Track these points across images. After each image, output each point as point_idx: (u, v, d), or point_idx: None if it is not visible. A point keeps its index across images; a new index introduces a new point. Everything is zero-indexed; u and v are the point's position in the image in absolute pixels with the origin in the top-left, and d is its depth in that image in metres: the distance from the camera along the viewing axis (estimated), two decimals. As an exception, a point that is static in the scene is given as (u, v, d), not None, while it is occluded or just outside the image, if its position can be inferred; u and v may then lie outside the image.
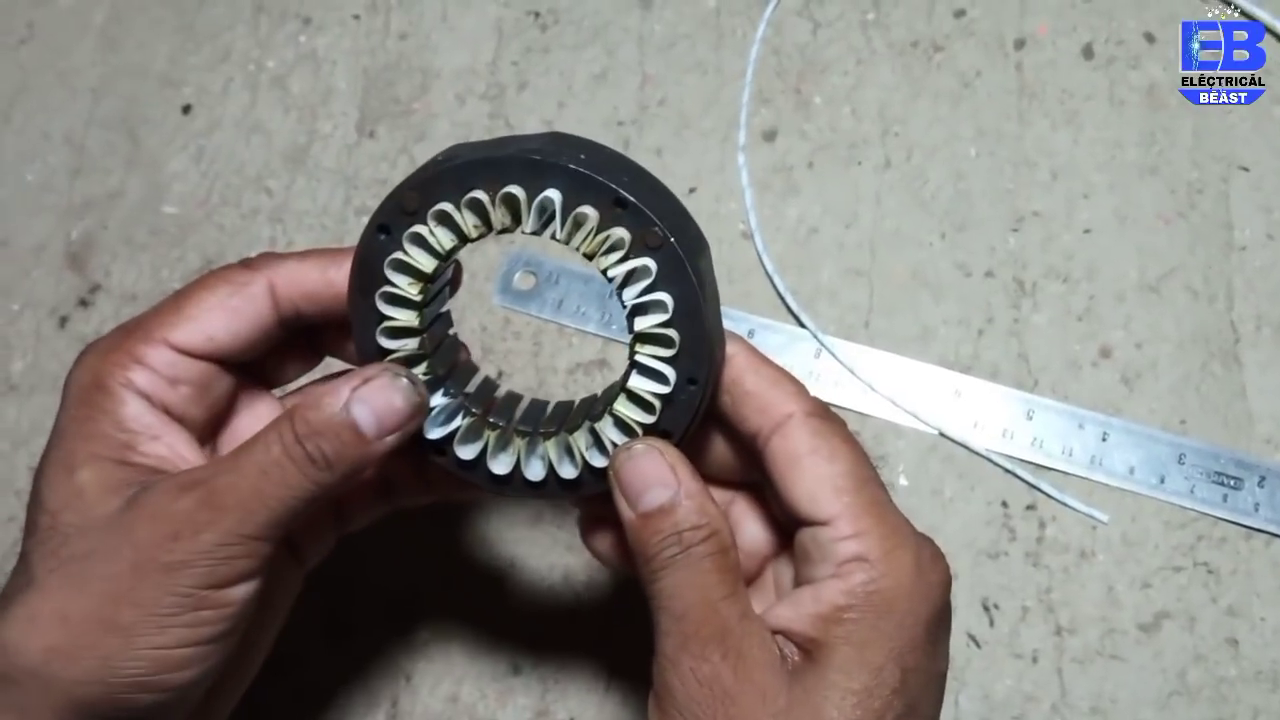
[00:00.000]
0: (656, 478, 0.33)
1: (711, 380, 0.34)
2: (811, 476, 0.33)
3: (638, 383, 0.33)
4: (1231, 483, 0.49)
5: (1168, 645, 0.48)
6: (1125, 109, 0.56)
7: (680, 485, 0.33)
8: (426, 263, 0.34)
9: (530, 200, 0.32)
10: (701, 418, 0.34)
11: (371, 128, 0.59)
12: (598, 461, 0.34)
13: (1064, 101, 0.57)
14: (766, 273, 0.55)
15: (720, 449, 0.37)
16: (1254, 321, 0.52)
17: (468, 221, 0.33)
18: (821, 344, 0.53)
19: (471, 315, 0.55)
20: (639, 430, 0.34)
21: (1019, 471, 0.50)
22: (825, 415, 0.34)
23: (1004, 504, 0.50)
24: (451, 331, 0.37)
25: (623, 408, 0.34)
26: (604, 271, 0.33)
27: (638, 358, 0.33)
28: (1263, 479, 0.49)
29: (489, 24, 0.61)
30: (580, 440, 0.35)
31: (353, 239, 0.57)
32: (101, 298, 0.57)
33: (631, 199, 0.32)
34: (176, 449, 0.35)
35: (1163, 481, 0.50)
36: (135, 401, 0.34)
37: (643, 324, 0.33)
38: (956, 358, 0.53)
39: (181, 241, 0.58)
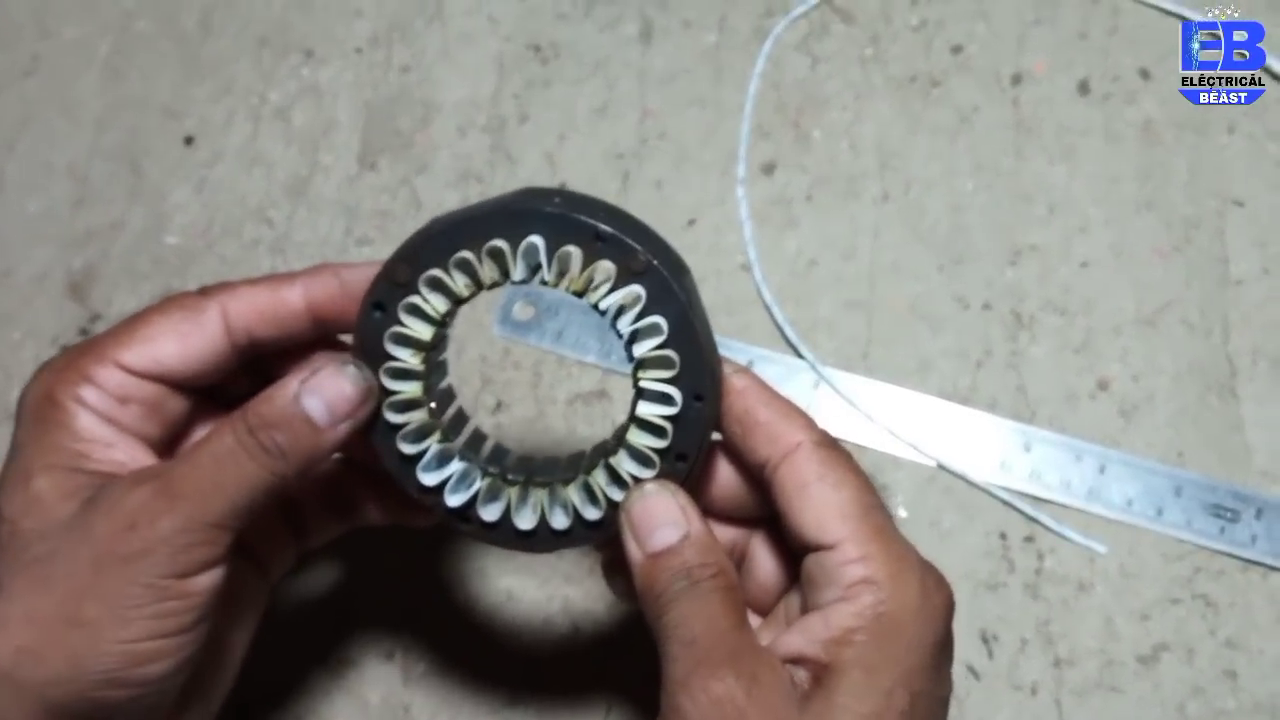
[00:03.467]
0: (667, 517, 0.34)
1: (716, 394, 0.34)
2: (818, 503, 0.33)
3: (646, 409, 0.34)
4: (1229, 515, 0.49)
5: (1166, 677, 0.48)
6: (1121, 144, 0.57)
7: (690, 525, 0.34)
8: (425, 331, 0.34)
9: (514, 250, 0.33)
10: (711, 435, 0.35)
11: (373, 160, 0.60)
12: (620, 496, 0.35)
13: (1060, 137, 0.57)
14: (765, 304, 0.55)
15: (728, 481, 0.37)
16: (1250, 355, 0.52)
17: (458, 282, 0.34)
18: (820, 375, 0.53)
19: (471, 345, 0.55)
20: (655, 458, 0.34)
21: (1017, 503, 0.50)
22: (832, 445, 0.35)
23: (1002, 535, 0.50)
24: (446, 383, 0.38)
25: (635, 437, 0.34)
26: (595, 306, 0.34)
27: (642, 384, 0.34)
28: (1260, 511, 0.49)
29: (490, 57, 0.62)
30: (600, 478, 0.35)
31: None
32: (102, 327, 0.57)
33: (610, 230, 0.33)
34: (133, 455, 0.35)
35: (1160, 513, 0.50)
36: (86, 414, 0.35)
37: (641, 349, 0.34)
38: (955, 390, 0.53)
39: (183, 272, 0.58)
